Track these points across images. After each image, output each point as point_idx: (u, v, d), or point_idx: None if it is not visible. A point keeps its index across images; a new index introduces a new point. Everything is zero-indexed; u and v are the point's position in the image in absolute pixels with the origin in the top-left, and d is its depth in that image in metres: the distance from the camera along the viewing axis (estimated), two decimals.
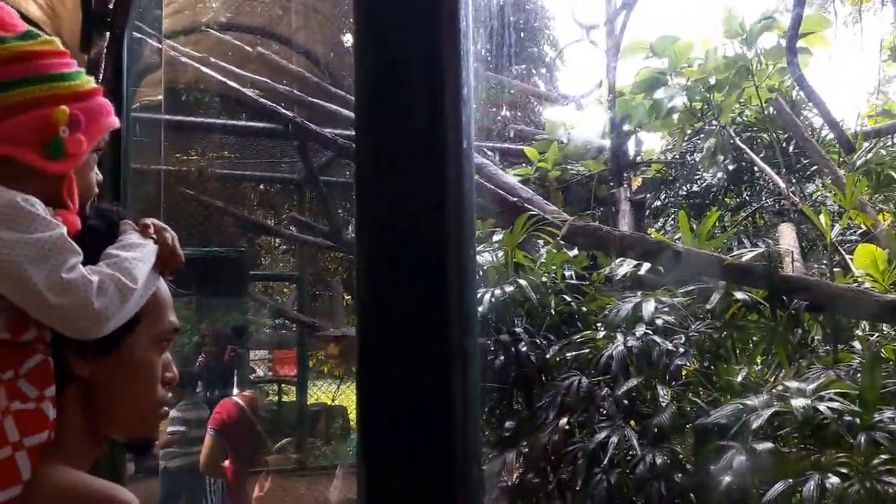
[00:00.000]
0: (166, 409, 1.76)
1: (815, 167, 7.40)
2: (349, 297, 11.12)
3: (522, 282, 4.97)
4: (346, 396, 10.66)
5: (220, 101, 8.61)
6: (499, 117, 13.11)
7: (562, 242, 5.24)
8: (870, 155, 7.09)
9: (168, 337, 1.75)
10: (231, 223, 9.89)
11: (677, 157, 8.52)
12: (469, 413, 1.03)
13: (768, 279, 4.95)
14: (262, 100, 6.20)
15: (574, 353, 4.90)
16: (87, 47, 5.04)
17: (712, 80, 7.46)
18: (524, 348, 4.91)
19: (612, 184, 8.02)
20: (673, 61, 7.70)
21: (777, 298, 5.01)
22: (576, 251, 5.41)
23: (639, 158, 8.21)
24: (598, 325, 5.18)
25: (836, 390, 4.10)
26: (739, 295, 5.04)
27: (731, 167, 7.85)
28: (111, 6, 4.21)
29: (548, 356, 4.89)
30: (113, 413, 1.65)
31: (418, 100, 1.05)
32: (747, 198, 8.03)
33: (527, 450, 4.70)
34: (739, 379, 5.04)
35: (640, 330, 4.71)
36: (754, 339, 5.19)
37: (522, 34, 12.60)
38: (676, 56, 7.68)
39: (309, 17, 8.81)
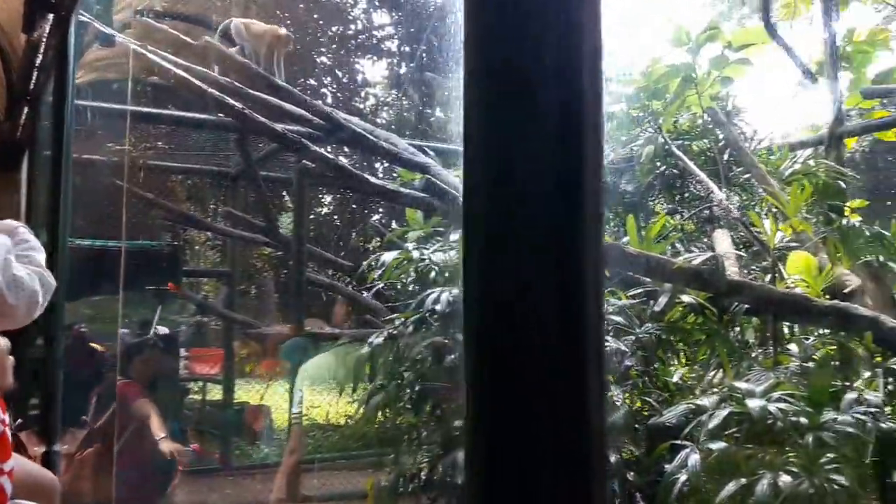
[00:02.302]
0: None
1: (747, 175, 7.55)
2: (276, 294, 11.01)
3: None
4: (277, 395, 10.51)
5: (152, 91, 8.45)
6: (433, 118, 13.13)
7: None
8: (798, 165, 7.28)
9: None
10: (158, 216, 9.69)
11: (612, 162, 8.61)
12: (603, 423, 1.00)
13: (716, 283, 5.05)
14: (210, 90, 6.07)
15: None
16: (30, 29, 4.85)
17: (654, 89, 7.59)
18: None
19: None
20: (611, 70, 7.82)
21: (721, 302, 5.12)
22: None
23: None
24: None
25: (783, 392, 4.19)
26: (686, 298, 5.14)
27: (666, 173, 7.97)
28: None
29: None
30: None
31: (551, 81, 0.99)
32: (678, 204, 8.16)
33: None
34: (675, 379, 5.16)
35: None
36: (698, 340, 5.29)
37: (458, 37, 12.64)
38: (615, 65, 7.81)
39: (248, 7, 8.70)
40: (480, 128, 0.99)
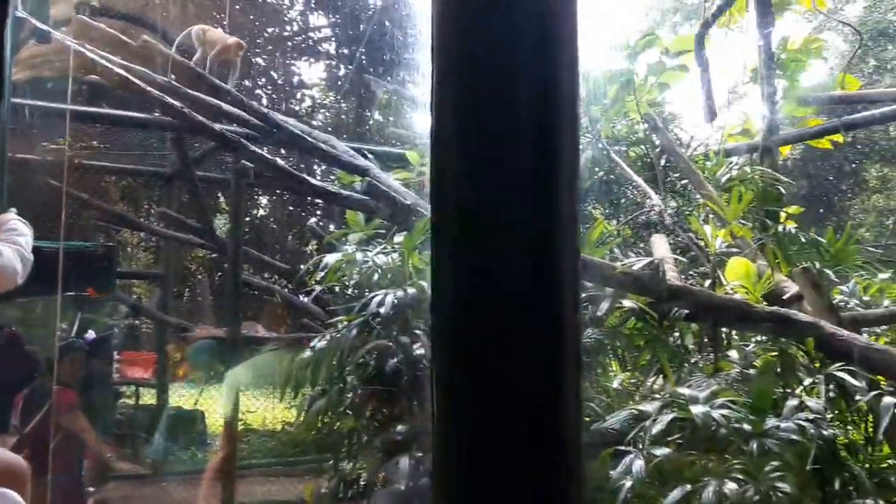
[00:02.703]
0: None
1: (685, 181, 7.61)
2: (211, 297, 10.80)
3: (424, 283, 4.92)
4: (213, 400, 10.29)
5: (88, 89, 8.23)
6: (371, 120, 13.04)
7: None
8: (734, 172, 7.35)
9: None
10: (92, 217, 9.42)
11: None
12: (580, 423, 0.97)
13: (656, 288, 5.06)
14: (150, 89, 5.93)
15: None
16: None
17: (592, 94, 7.62)
18: (421, 350, 4.86)
19: None
20: None
21: (661, 307, 5.13)
22: None
23: None
24: None
25: (726, 398, 4.21)
26: (627, 303, 5.15)
27: (604, 178, 8.01)
28: None
29: None
30: None
31: (527, 82, 0.95)
32: (615, 209, 8.20)
33: (420, 455, 4.65)
34: (615, 385, 5.17)
35: None
36: (639, 345, 5.30)
37: (398, 40, 12.64)
38: None
39: (185, 5, 8.54)
40: (453, 129, 0.96)
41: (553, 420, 0.91)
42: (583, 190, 8.10)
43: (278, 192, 12.81)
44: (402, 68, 13.31)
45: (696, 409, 4.01)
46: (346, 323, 5.05)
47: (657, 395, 4.68)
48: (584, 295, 5.24)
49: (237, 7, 11.65)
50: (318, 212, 12.67)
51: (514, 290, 0.90)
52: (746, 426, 4.02)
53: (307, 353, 5.05)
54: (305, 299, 7.49)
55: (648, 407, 4.28)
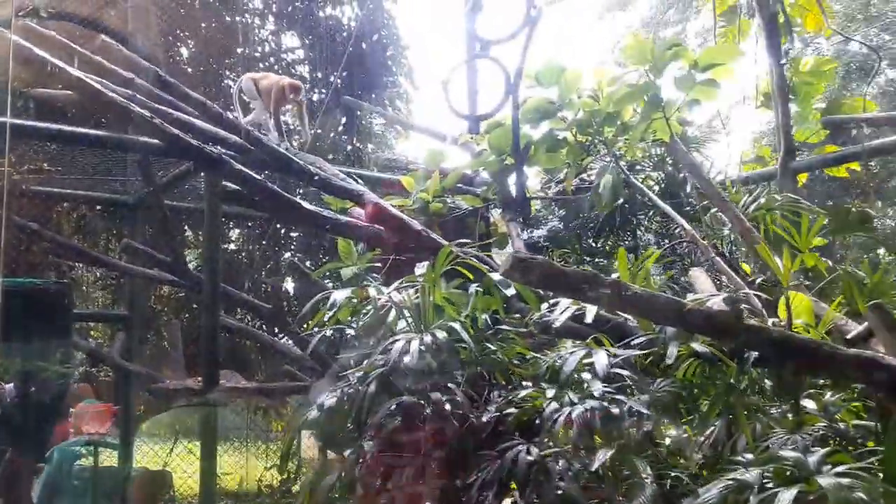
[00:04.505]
0: None
1: (711, 209, 6.85)
2: (182, 342, 9.78)
3: (456, 325, 4.02)
4: (185, 460, 9.13)
5: (36, 105, 7.30)
6: (349, 146, 12.26)
7: (498, 278, 4.35)
8: (763, 199, 6.64)
9: None
10: (42, 249, 8.39)
11: (561, 192, 7.86)
12: None
13: (732, 329, 4.21)
14: (120, 99, 5.02)
15: (503, 412, 4.00)
16: None
17: (605, 113, 6.85)
18: (450, 407, 3.95)
19: (490, 219, 7.42)
20: (563, 92, 7.03)
21: (739, 352, 4.30)
22: (512, 289, 4.51)
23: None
24: (529, 379, 4.31)
25: (844, 464, 3.37)
26: (697, 347, 4.29)
27: (625, 206, 7.24)
28: None
29: (485, 418, 3.94)
30: None
31: None
32: (639, 240, 7.44)
33: None
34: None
35: (597, 387, 3.87)
36: (711, 396, 4.43)
37: (378, 63, 12.00)
38: (567, 86, 7.01)
39: (149, 12, 7.73)
40: None
41: None
42: (602, 216, 7.34)
43: (249, 225, 11.92)
44: (384, 91, 12.61)
45: (825, 481, 3.14)
46: (361, 374, 4.11)
47: (739, 458, 3.82)
48: (644, 338, 4.39)
49: (203, 25, 10.90)
50: (293, 245, 11.81)
51: None
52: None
53: (314, 413, 4.09)
54: (291, 344, 6.61)
55: (748, 476, 3.42)
